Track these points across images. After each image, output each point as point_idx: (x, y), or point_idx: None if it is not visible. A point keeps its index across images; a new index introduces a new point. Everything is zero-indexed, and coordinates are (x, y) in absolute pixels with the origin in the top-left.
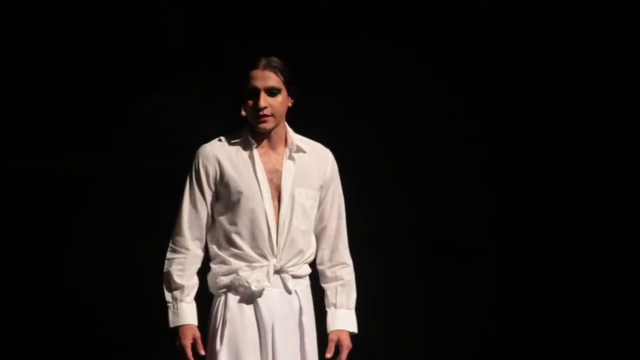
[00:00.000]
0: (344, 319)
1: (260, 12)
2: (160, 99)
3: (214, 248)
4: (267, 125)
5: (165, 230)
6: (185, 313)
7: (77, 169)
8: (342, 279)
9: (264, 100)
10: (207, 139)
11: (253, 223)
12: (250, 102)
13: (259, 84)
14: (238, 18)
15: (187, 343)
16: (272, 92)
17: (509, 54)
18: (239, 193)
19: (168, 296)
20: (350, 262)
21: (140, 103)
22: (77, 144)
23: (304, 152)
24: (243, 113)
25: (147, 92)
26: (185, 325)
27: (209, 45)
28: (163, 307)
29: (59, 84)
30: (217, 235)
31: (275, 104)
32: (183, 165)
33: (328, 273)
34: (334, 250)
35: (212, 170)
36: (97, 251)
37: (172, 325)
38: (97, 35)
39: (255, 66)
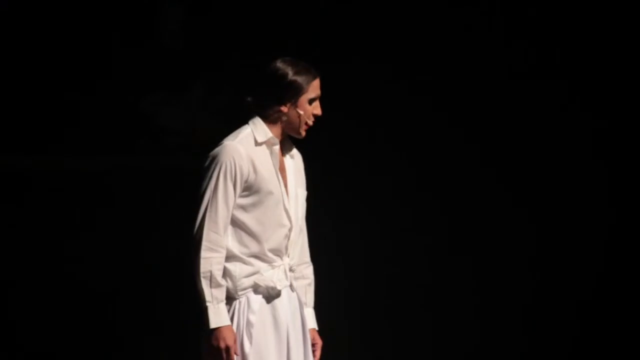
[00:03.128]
0: (312, 318)
1: (260, 12)
2: (160, 99)
3: (231, 248)
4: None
5: (165, 230)
6: (225, 314)
7: (77, 169)
8: (308, 277)
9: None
10: (207, 139)
11: (278, 223)
12: (312, 109)
13: (320, 92)
14: (238, 18)
15: (232, 344)
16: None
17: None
18: (269, 193)
19: (209, 296)
20: (310, 261)
21: (140, 103)
22: (77, 144)
23: (294, 152)
24: (301, 113)
25: (147, 92)
26: (227, 326)
27: (209, 45)
28: (198, 307)
29: (59, 84)
30: (237, 234)
31: None
32: (183, 165)
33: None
34: (300, 249)
35: (246, 170)
36: (96, 251)
37: (213, 325)
38: (97, 35)
39: (316, 75)
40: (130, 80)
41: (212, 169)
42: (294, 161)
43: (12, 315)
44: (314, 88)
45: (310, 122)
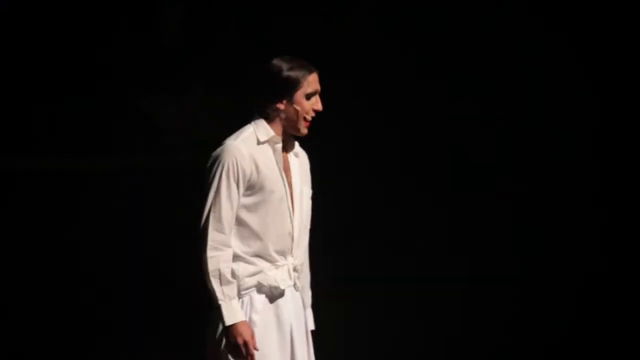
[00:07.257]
0: (310, 318)
1: (259, 12)
2: (160, 98)
3: (234, 248)
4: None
5: (165, 230)
6: (239, 310)
7: (76, 169)
8: (306, 277)
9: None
10: (207, 139)
11: (281, 222)
12: (310, 104)
13: (318, 87)
14: (237, 18)
15: (249, 339)
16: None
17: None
18: (272, 192)
19: (220, 294)
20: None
21: (140, 103)
22: (77, 144)
23: (298, 151)
24: (298, 109)
25: (147, 92)
26: (242, 322)
27: (209, 45)
28: (211, 306)
29: (58, 83)
30: (240, 234)
31: None
32: (183, 165)
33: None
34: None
35: (248, 169)
36: (96, 251)
37: (228, 323)
38: (97, 35)
39: (312, 69)
40: (130, 81)
41: (214, 169)
42: (299, 160)
43: (4, 316)
44: (309, 83)
45: (309, 118)
